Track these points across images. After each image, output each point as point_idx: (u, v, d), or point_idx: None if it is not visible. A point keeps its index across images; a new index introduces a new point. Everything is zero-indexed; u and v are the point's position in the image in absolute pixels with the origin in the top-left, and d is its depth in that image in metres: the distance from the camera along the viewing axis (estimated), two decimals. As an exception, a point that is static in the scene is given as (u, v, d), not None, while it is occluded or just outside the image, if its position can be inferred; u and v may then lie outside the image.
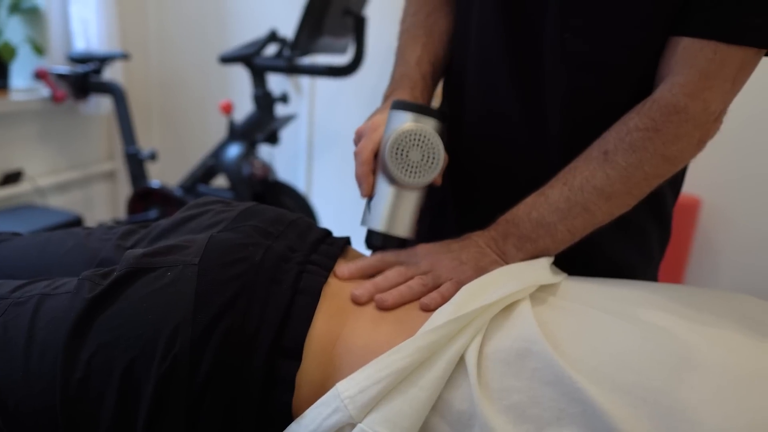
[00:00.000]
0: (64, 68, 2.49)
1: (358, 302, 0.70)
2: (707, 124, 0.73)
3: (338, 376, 0.62)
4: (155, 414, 0.60)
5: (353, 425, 0.58)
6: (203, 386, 0.60)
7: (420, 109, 0.78)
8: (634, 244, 0.89)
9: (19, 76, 2.47)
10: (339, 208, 2.93)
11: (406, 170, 0.76)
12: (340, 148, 2.95)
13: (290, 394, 0.62)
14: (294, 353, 0.64)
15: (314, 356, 0.64)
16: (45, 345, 0.63)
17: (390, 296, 0.70)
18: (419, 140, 0.75)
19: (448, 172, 0.86)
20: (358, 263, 0.76)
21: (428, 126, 0.77)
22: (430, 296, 0.70)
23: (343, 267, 0.75)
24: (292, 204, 2.53)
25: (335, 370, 0.64)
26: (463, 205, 0.98)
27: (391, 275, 0.73)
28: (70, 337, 0.61)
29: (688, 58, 0.71)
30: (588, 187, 0.74)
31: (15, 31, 2.42)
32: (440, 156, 0.76)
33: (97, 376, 0.60)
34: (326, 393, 0.60)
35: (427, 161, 0.76)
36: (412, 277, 0.73)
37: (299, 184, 3.02)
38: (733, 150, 2.33)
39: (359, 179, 0.81)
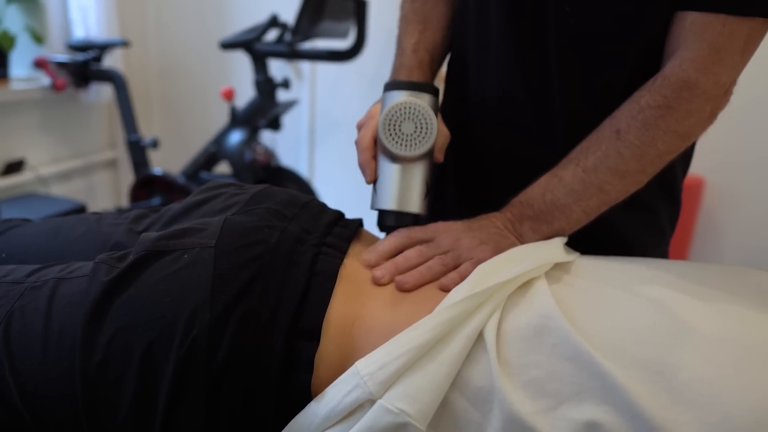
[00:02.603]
0: (63, 56, 2.47)
1: (379, 283, 0.70)
2: (718, 98, 0.73)
3: (357, 356, 0.62)
4: (175, 397, 0.60)
5: (373, 401, 0.58)
6: (222, 369, 0.60)
7: (411, 85, 0.80)
8: (645, 221, 0.89)
9: (19, 65, 2.45)
10: (342, 193, 2.93)
11: (401, 143, 0.77)
12: (341, 132, 2.94)
13: (309, 375, 0.63)
14: (312, 335, 0.64)
15: (332, 337, 0.64)
16: (63, 329, 0.63)
17: (411, 277, 0.70)
18: (409, 112, 0.77)
19: (451, 152, 0.86)
20: (382, 247, 0.76)
21: (419, 99, 0.78)
22: (448, 276, 0.70)
23: (368, 254, 0.75)
24: (295, 189, 2.53)
25: (354, 350, 0.64)
26: (466, 186, 0.98)
27: (411, 255, 0.73)
28: (88, 321, 0.61)
29: (697, 32, 0.71)
30: (602, 167, 0.74)
31: (14, 20, 2.40)
32: (433, 125, 0.77)
33: (116, 359, 0.60)
34: (345, 372, 0.61)
35: (421, 132, 0.77)
36: (432, 257, 0.73)
37: (301, 169, 3.02)
38: (737, 130, 2.32)
39: (362, 166, 0.82)
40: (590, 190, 0.75)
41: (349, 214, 0.86)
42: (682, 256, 2.48)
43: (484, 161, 0.93)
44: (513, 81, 0.85)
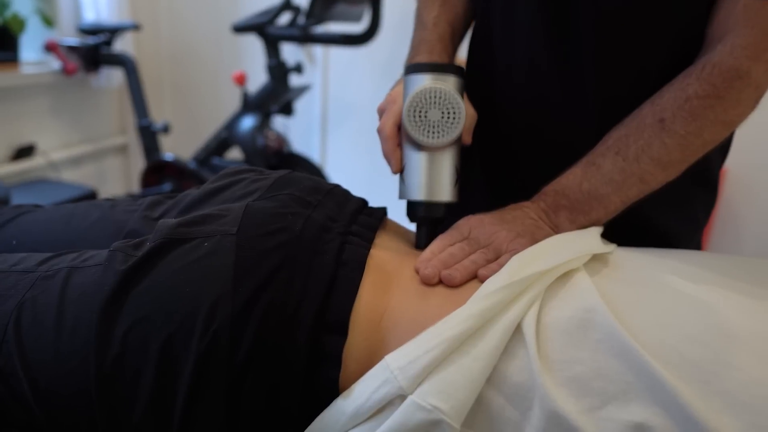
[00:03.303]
0: (74, 40, 2.45)
1: (428, 283, 0.66)
2: (766, 85, 0.70)
3: (386, 350, 0.59)
4: (195, 393, 0.57)
5: (403, 397, 0.55)
6: (245, 364, 0.57)
7: (434, 67, 0.75)
8: (681, 212, 0.86)
9: (29, 49, 2.43)
10: (354, 180, 2.89)
11: (428, 131, 0.73)
12: (354, 118, 2.91)
13: (337, 371, 0.60)
14: (339, 328, 0.61)
15: (361, 331, 0.61)
16: (76, 321, 0.60)
17: (457, 272, 0.66)
18: (435, 98, 0.73)
19: (475, 129, 0.83)
20: (425, 255, 0.70)
21: (444, 83, 0.74)
22: (488, 267, 0.66)
23: (416, 264, 0.69)
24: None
25: (382, 344, 0.61)
26: (491, 166, 0.94)
27: (455, 251, 0.70)
28: (103, 312, 0.59)
29: (750, 17, 0.67)
30: (644, 157, 0.70)
31: (24, 3, 2.37)
32: (461, 111, 0.73)
33: (133, 352, 0.58)
34: (374, 367, 0.58)
35: (448, 118, 0.73)
36: (474, 252, 0.70)
37: (314, 155, 2.99)
38: (760, 120, 2.27)
39: (387, 156, 0.78)
40: (631, 180, 0.71)
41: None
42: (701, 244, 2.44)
43: (509, 138, 0.90)
44: (541, 56, 0.81)
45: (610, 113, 0.75)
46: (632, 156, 0.71)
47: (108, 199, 0.88)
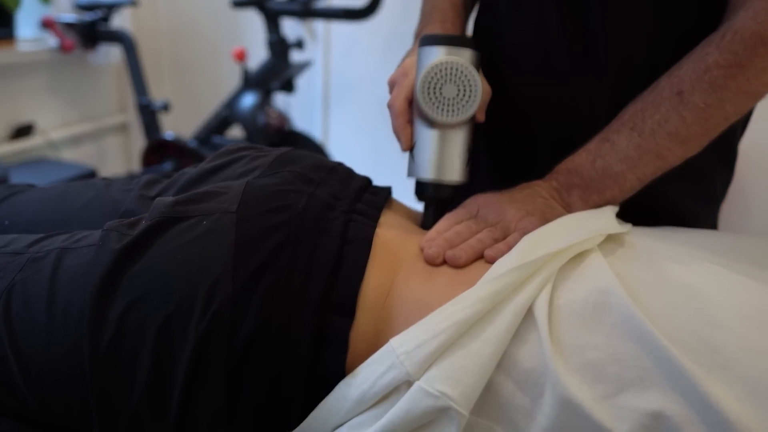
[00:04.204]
0: (71, 16, 2.40)
1: (433, 263, 0.64)
2: None
3: (391, 331, 0.57)
4: (194, 377, 0.55)
5: (410, 383, 0.53)
6: (246, 347, 0.55)
7: (450, 40, 0.72)
8: (699, 189, 0.83)
9: (26, 26, 2.38)
10: (357, 158, 2.85)
11: (443, 108, 0.70)
12: (357, 95, 2.86)
13: (344, 354, 0.57)
14: (346, 309, 0.58)
15: (367, 310, 0.59)
16: (69, 303, 0.58)
17: (462, 252, 0.64)
18: (452, 73, 0.69)
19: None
20: (431, 234, 0.69)
21: (461, 57, 0.70)
22: (495, 247, 0.64)
23: (422, 243, 0.68)
24: (309, 154, 2.47)
25: (387, 324, 0.59)
26: (493, 137, 0.91)
27: (461, 230, 0.67)
28: (98, 294, 0.56)
29: None
30: (661, 132, 0.67)
31: (19, -22, 2.33)
32: (477, 87, 0.70)
33: (130, 336, 0.55)
34: (379, 350, 0.55)
35: (465, 95, 0.70)
36: (481, 230, 0.68)
37: (315, 133, 2.95)
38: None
39: (396, 132, 0.75)
40: (647, 157, 0.68)
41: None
42: (708, 222, 2.41)
43: (515, 109, 0.86)
44: (550, 21, 0.78)
45: (624, 81, 0.72)
46: (648, 131, 0.68)
47: (103, 179, 0.86)
